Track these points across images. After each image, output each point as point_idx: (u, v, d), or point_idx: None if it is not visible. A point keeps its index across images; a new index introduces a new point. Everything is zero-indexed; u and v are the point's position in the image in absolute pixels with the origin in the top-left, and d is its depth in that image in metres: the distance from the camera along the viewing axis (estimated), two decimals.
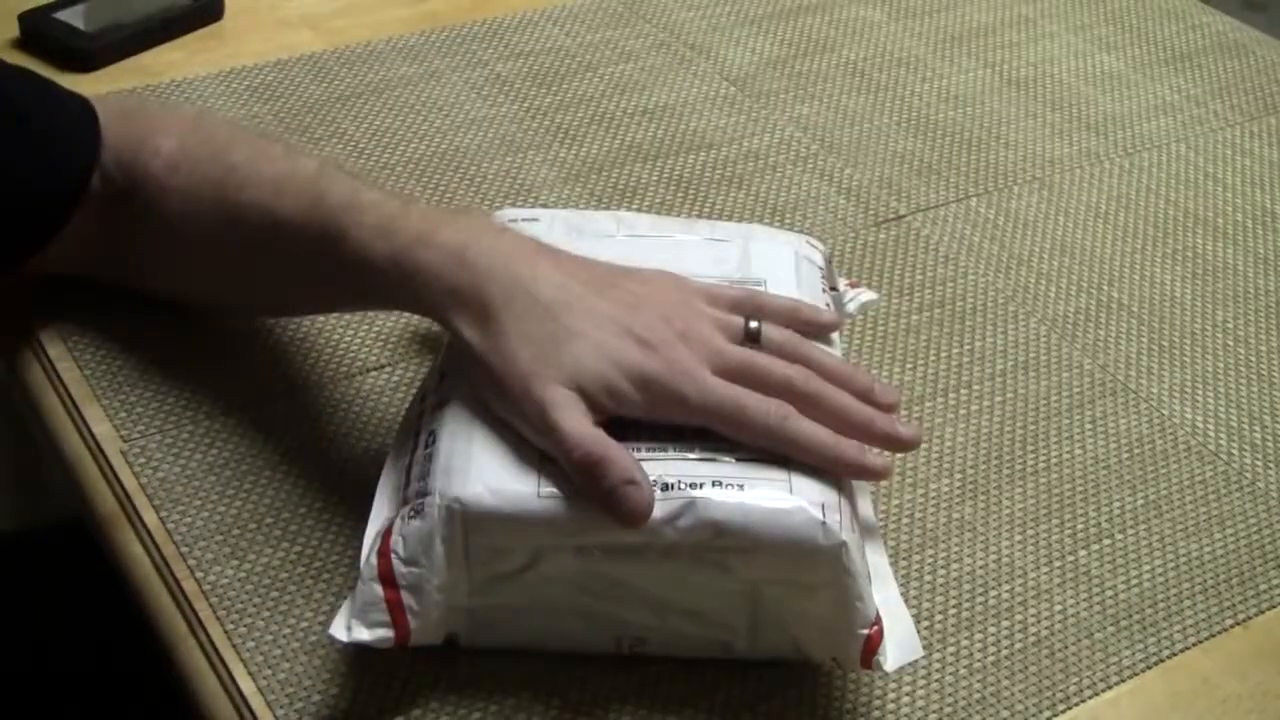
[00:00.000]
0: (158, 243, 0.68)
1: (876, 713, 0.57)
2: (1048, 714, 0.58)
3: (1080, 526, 0.66)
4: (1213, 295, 0.81)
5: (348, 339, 0.72)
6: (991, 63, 1.01)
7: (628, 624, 0.56)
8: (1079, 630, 0.61)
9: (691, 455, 0.55)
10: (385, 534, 0.54)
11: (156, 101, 0.88)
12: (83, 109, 0.69)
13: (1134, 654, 0.61)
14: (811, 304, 0.63)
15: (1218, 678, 0.61)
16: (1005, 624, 0.61)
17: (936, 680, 0.59)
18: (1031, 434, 0.71)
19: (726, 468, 0.54)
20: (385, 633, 0.53)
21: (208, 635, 0.58)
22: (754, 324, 0.59)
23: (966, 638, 0.61)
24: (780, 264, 0.65)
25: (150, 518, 0.62)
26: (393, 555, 0.53)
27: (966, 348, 0.76)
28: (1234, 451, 0.71)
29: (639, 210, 0.83)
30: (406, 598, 0.53)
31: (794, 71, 0.97)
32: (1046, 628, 0.61)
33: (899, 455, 0.66)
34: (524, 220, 0.66)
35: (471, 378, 0.57)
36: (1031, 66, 1.01)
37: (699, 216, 0.83)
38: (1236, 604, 0.63)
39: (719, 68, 0.97)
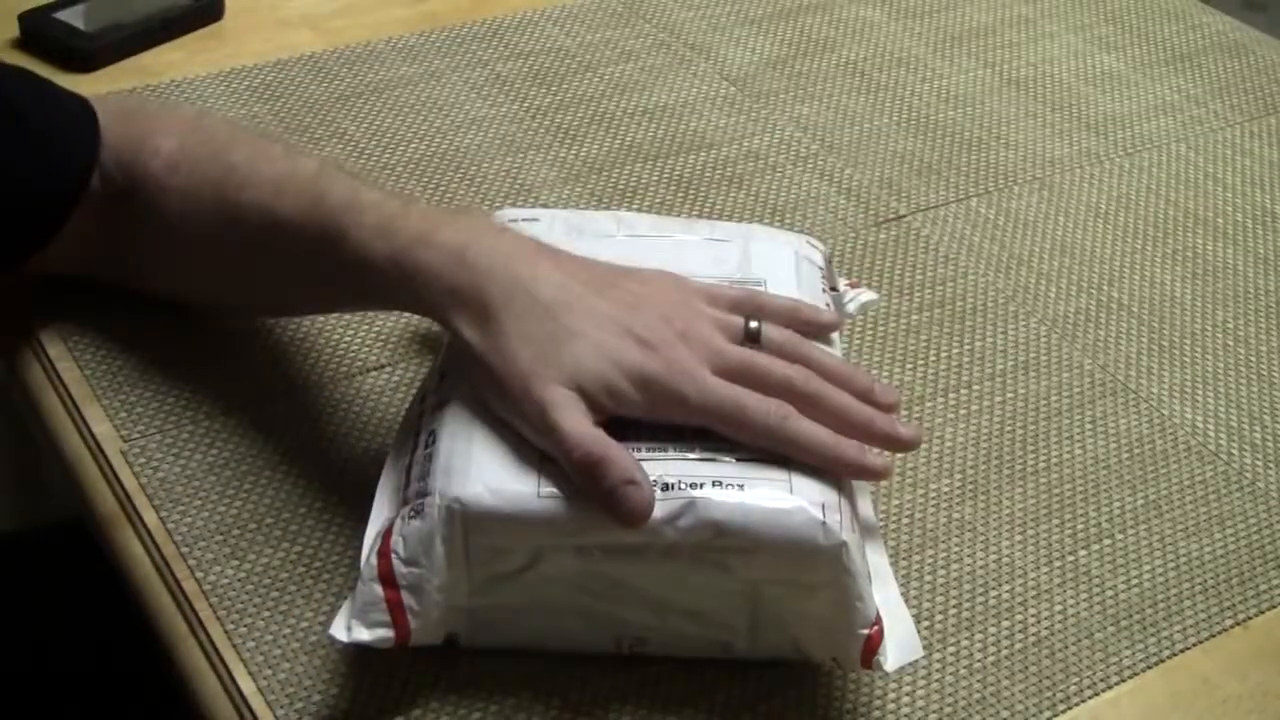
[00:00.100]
0: (157, 243, 0.68)
1: (876, 713, 0.57)
2: (1048, 714, 0.58)
3: (1080, 526, 0.66)
4: (1213, 295, 0.81)
5: (348, 339, 0.72)
6: (991, 63, 1.01)
7: (628, 624, 0.56)
8: (1079, 630, 0.61)
9: (691, 455, 0.55)
10: (385, 534, 0.54)
11: (156, 101, 0.88)
12: (82, 109, 0.69)
13: (1134, 654, 0.61)
14: (811, 304, 0.63)
15: (1218, 678, 0.61)
16: (1005, 624, 0.61)
17: (936, 680, 0.59)
18: (1031, 434, 0.71)
19: (727, 468, 0.54)
20: (385, 633, 0.53)
21: (208, 635, 0.58)
22: (754, 324, 0.59)
23: (966, 638, 0.61)
24: (780, 264, 0.65)
25: (150, 518, 0.62)
26: (393, 555, 0.53)
27: (966, 348, 0.76)
28: (1234, 451, 0.71)
29: (639, 210, 0.83)
30: (407, 598, 0.53)
31: (794, 71, 0.97)
32: (1046, 628, 0.61)
33: (899, 455, 0.66)
34: (524, 220, 0.66)
35: (471, 378, 0.57)
36: (1031, 66, 1.01)
37: (699, 216, 0.83)
38: (1236, 604, 0.63)
39: (719, 68, 0.97)
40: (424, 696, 0.56)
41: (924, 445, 0.69)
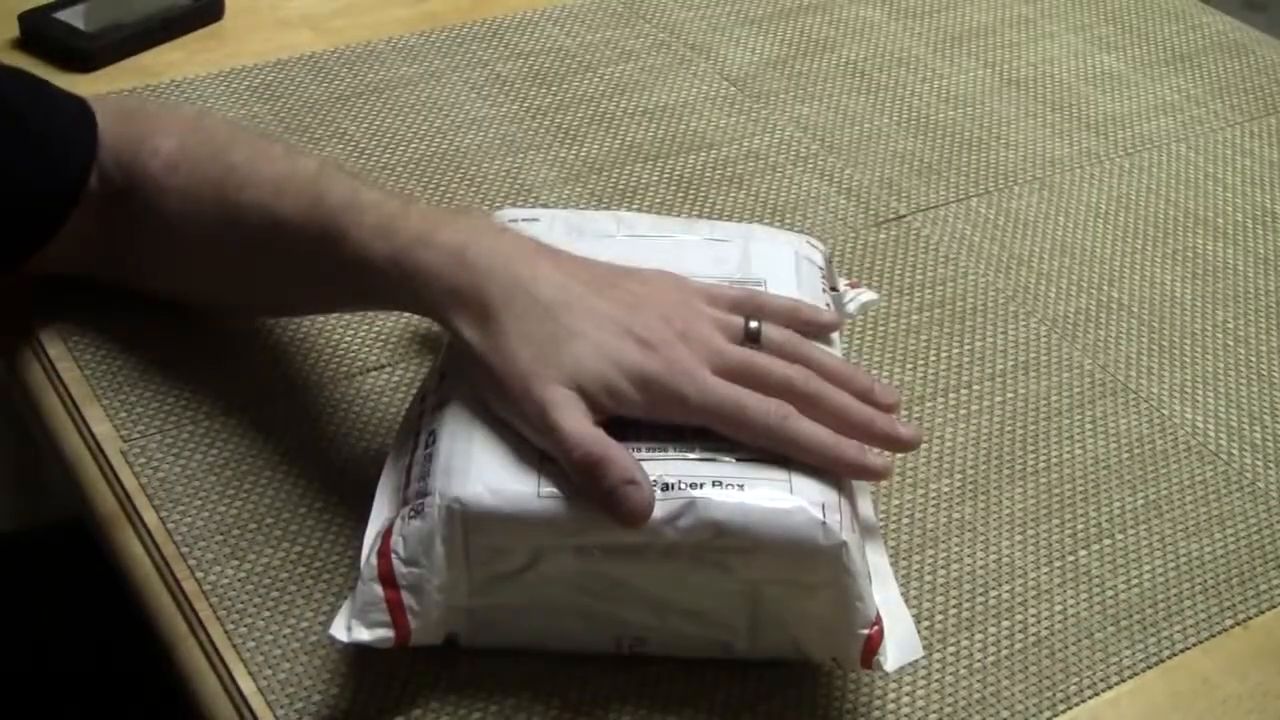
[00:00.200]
0: (157, 243, 0.68)
1: (876, 713, 0.57)
2: (1048, 714, 0.58)
3: (1080, 526, 0.66)
4: (1213, 295, 0.81)
5: (348, 339, 0.72)
6: (991, 63, 1.01)
7: (628, 624, 0.56)
8: (1079, 630, 0.61)
9: (692, 455, 0.55)
10: (385, 534, 0.54)
11: (156, 102, 0.88)
12: (80, 109, 0.69)
13: (1134, 654, 0.61)
14: (811, 304, 0.63)
15: (1218, 678, 0.61)
16: (1005, 624, 0.61)
17: (936, 680, 0.59)
18: (1031, 434, 0.71)
19: (727, 468, 0.54)
20: (385, 633, 0.53)
21: (208, 635, 0.58)
22: (754, 324, 0.59)
23: (966, 638, 0.61)
24: (780, 264, 0.65)
25: (150, 518, 0.62)
26: (393, 555, 0.53)
27: (966, 348, 0.76)
28: (1234, 451, 0.71)
29: (639, 210, 0.83)
30: (407, 598, 0.53)
31: (794, 71, 0.97)
32: (1046, 628, 0.61)
33: (899, 455, 0.66)
34: (524, 220, 0.66)
35: (471, 378, 0.57)
36: (1031, 66, 1.01)
37: (699, 216, 0.83)
38: (1236, 604, 0.63)
39: (719, 68, 0.97)
40: (424, 696, 0.56)
41: (924, 445, 0.69)
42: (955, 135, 0.92)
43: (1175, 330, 0.78)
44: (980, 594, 0.62)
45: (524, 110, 0.91)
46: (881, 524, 0.64)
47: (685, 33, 1.01)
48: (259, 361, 0.70)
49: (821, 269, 0.67)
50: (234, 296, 0.70)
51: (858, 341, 0.75)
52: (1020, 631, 0.61)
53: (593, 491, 0.52)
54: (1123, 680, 0.60)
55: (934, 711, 0.58)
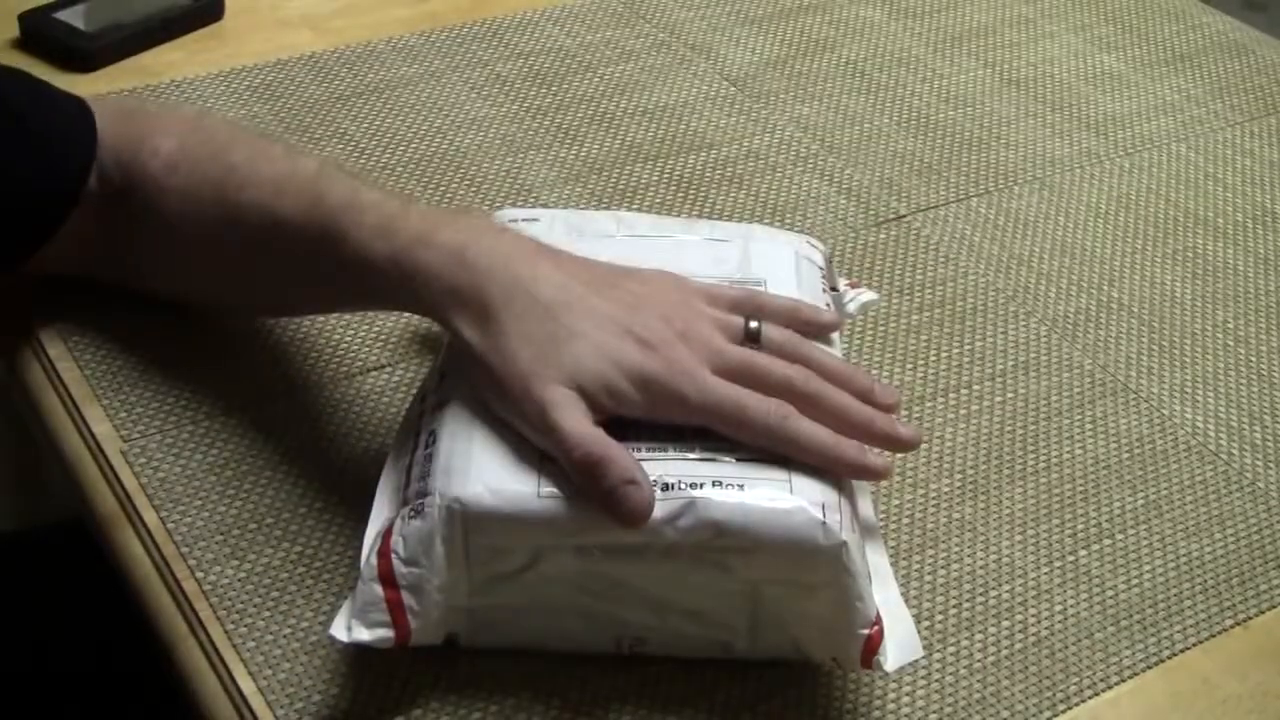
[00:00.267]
0: (157, 243, 0.68)
1: (876, 713, 0.57)
2: (1048, 714, 0.58)
3: (1080, 526, 0.66)
4: (1213, 295, 0.81)
5: (348, 339, 0.72)
6: (991, 63, 1.01)
7: (628, 624, 0.56)
8: (1079, 630, 0.61)
9: (692, 455, 0.55)
10: (385, 534, 0.54)
11: (156, 102, 0.88)
12: (79, 109, 0.69)
13: (1134, 654, 0.61)
14: (811, 304, 0.63)
15: (1218, 678, 0.61)
16: (1005, 624, 0.61)
17: (936, 680, 0.59)
18: (1031, 434, 0.71)
19: (727, 468, 0.54)
20: (385, 633, 0.53)
21: (208, 635, 0.58)
22: (754, 324, 0.59)
23: (966, 638, 0.61)
24: (780, 264, 0.65)
25: (150, 518, 0.62)
26: (393, 555, 0.53)
27: (966, 348, 0.76)
28: (1234, 451, 0.71)
29: (639, 210, 0.83)
30: (407, 598, 0.53)
31: (794, 71, 0.97)
32: (1046, 628, 0.61)
33: (899, 455, 0.66)
34: (524, 220, 0.66)
35: (471, 378, 0.57)
36: (1031, 66, 1.01)
37: (699, 216, 0.83)
38: (1236, 604, 0.63)
39: (719, 68, 0.97)
40: (424, 696, 0.56)
41: (924, 445, 0.69)
42: (955, 135, 0.92)
43: (1175, 330, 0.78)
44: (980, 594, 0.62)
45: (524, 110, 0.91)
46: (881, 524, 0.64)
47: (685, 33, 1.01)
48: (259, 361, 0.70)
49: (821, 269, 0.67)
50: (234, 296, 0.70)
51: (858, 341, 0.75)
52: (1020, 631, 0.61)
53: (593, 491, 0.52)
54: (1123, 680, 0.60)
55: (934, 711, 0.58)
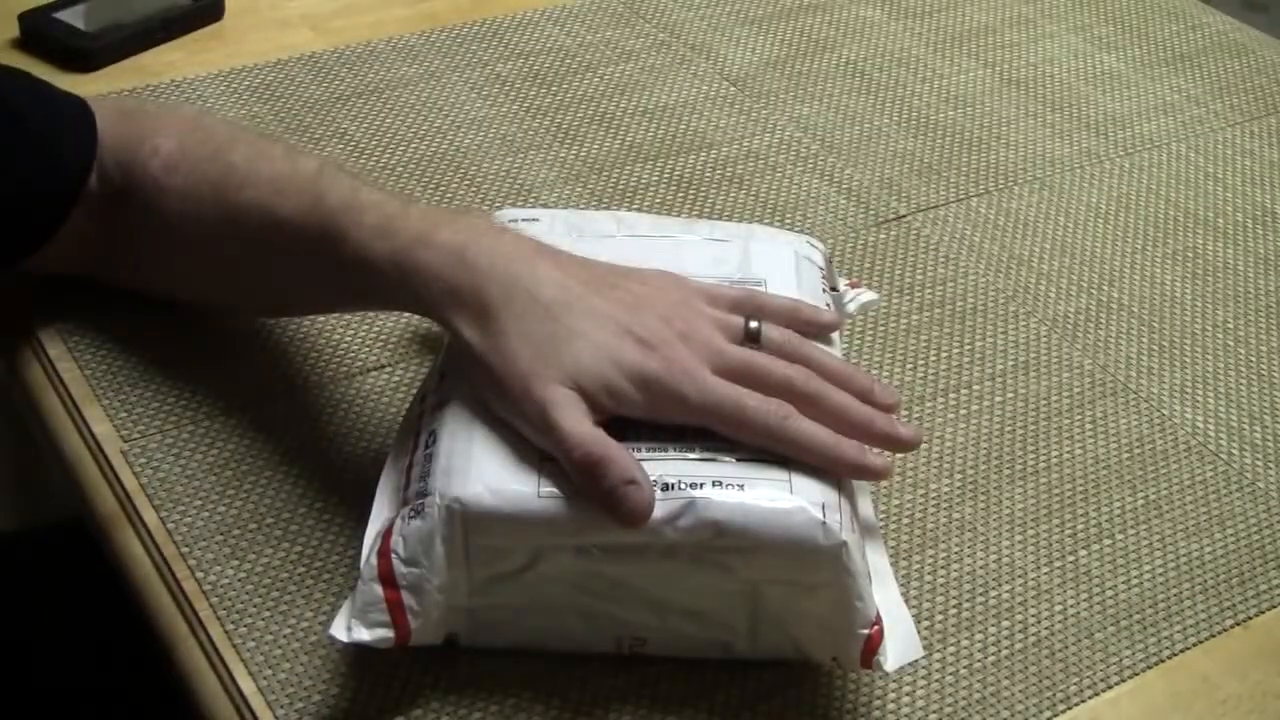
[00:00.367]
0: (156, 243, 0.68)
1: (876, 713, 0.57)
2: (1048, 714, 0.58)
3: (1080, 526, 0.66)
4: (1213, 295, 0.81)
5: (348, 339, 0.72)
6: (991, 63, 1.01)
7: (628, 624, 0.56)
8: (1079, 630, 0.61)
9: (692, 455, 0.55)
10: (385, 534, 0.54)
11: (156, 102, 0.88)
12: (79, 110, 0.69)
13: (1134, 654, 0.61)
14: (811, 304, 0.63)
15: (1218, 678, 0.61)
16: (1005, 624, 0.61)
17: (936, 680, 0.59)
18: (1031, 434, 0.71)
19: (727, 468, 0.54)
20: (385, 633, 0.53)
21: (208, 635, 0.58)
22: (754, 324, 0.59)
23: (966, 638, 0.61)
24: (780, 264, 0.65)
25: (150, 518, 0.62)
26: (393, 555, 0.53)
27: (966, 348, 0.76)
28: (1234, 451, 0.71)
29: (639, 210, 0.83)
30: (407, 598, 0.53)
31: (794, 71, 0.97)
32: (1046, 628, 0.61)
33: (899, 455, 0.66)
34: (524, 220, 0.66)
35: (471, 378, 0.57)
36: (1031, 66, 1.01)
37: (699, 216, 0.83)
38: (1236, 604, 0.63)
39: (719, 68, 0.97)
40: (424, 696, 0.56)
41: (924, 445, 0.69)
42: (955, 135, 0.93)
43: (1175, 330, 0.78)
44: (980, 594, 0.62)
45: (524, 110, 0.91)
46: (881, 524, 0.64)
47: (685, 33, 1.01)
48: (259, 361, 0.70)
49: (821, 269, 0.67)
50: (234, 296, 0.70)
51: (858, 341, 0.75)
52: (1020, 631, 0.61)
53: (593, 491, 0.52)
54: (1123, 680, 0.60)
55: (934, 711, 0.58)
